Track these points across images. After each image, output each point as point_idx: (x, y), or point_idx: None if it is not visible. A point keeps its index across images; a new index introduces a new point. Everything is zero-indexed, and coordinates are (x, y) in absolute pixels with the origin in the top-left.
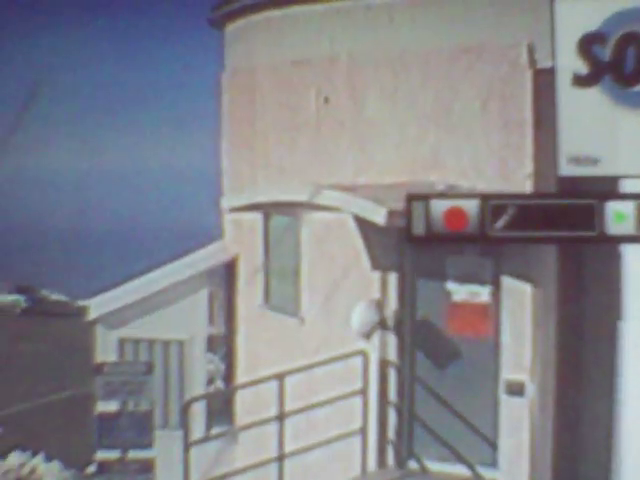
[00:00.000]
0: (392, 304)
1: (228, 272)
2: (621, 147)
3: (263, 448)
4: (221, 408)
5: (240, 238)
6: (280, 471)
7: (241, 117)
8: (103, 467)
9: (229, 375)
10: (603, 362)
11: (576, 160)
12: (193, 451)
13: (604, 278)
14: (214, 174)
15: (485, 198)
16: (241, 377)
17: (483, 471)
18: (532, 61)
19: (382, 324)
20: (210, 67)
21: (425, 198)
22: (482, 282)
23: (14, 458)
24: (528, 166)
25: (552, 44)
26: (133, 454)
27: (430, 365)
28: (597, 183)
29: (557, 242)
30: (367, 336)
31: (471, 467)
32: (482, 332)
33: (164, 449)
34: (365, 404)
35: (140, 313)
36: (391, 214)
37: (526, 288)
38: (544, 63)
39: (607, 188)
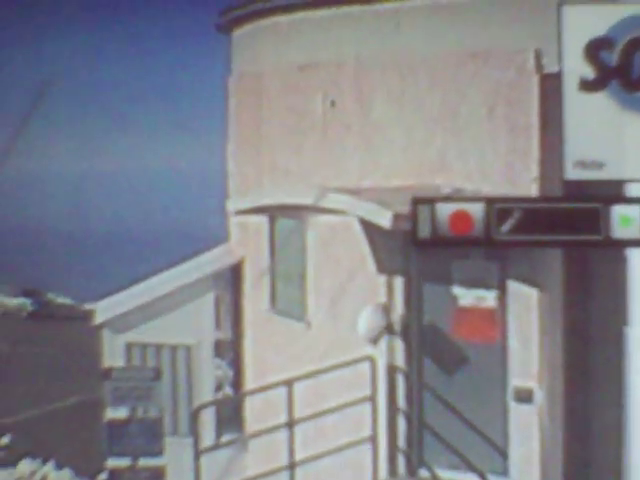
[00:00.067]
0: (398, 308)
1: (234, 275)
2: (627, 151)
3: (273, 456)
4: (231, 415)
5: (246, 241)
6: (291, 479)
7: (248, 120)
8: (114, 475)
9: (237, 381)
10: (610, 367)
11: (582, 164)
12: (203, 459)
13: (610, 282)
14: (220, 177)
15: (491, 202)
16: (249, 383)
17: (494, 479)
18: (539, 66)
19: (389, 329)
20: (217, 71)
21: (431, 201)
22: (488, 286)
23: (24, 466)
24: (534, 170)
25: (559, 49)
26: (144, 462)
27: (438, 371)
28: (603, 187)
29: (563, 246)
30: (374, 341)
31: (482, 475)
32: (489, 337)
33: (174, 456)
34: (374, 411)
35: (146, 317)
36: (397, 217)
37: (532, 292)
38: (551, 68)
39: (613, 192)
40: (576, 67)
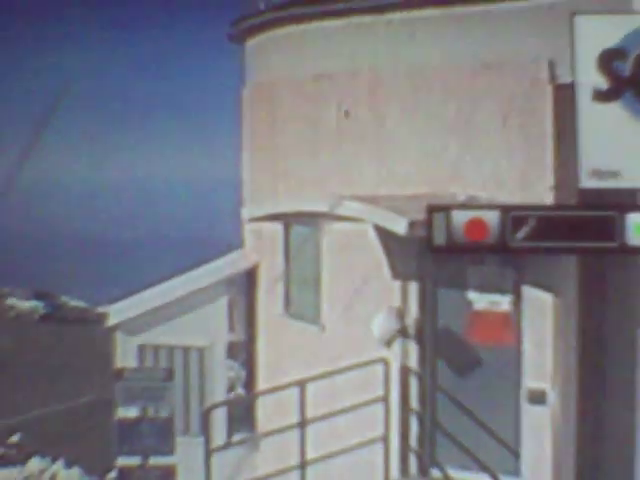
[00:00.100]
0: (413, 312)
1: (248, 280)
2: None
3: (285, 455)
4: (242, 415)
5: (260, 248)
6: (302, 479)
7: (262, 130)
8: (124, 474)
9: (250, 382)
10: (624, 370)
11: (597, 173)
12: (214, 458)
13: (624, 287)
14: (234, 185)
15: (506, 209)
16: (262, 384)
17: None
18: (553, 76)
19: (403, 332)
20: (232, 80)
21: (446, 209)
22: (503, 292)
23: (34, 464)
24: (549, 179)
25: (572, 59)
26: (154, 461)
27: (451, 373)
28: (617, 195)
29: (578, 253)
30: (388, 344)
31: (494, 476)
32: (503, 341)
33: (185, 456)
34: (387, 412)
35: (160, 320)
36: (412, 224)
37: (547, 297)
38: (565, 78)
39: (627, 200)
40: (589, 77)
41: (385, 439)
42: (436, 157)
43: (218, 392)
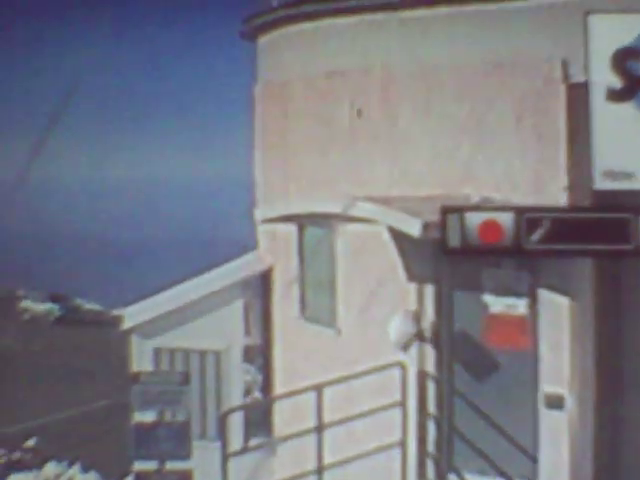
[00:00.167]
0: (429, 315)
1: (263, 282)
2: None
3: (302, 460)
4: (259, 419)
5: (274, 249)
6: None
7: (274, 129)
8: (140, 478)
9: (266, 386)
10: None
11: (611, 174)
12: (231, 462)
13: None
14: (248, 185)
15: (520, 211)
16: (279, 389)
17: None
18: (566, 76)
19: (419, 336)
20: (244, 78)
21: (460, 210)
22: (519, 295)
23: (50, 469)
24: (563, 179)
25: (586, 59)
26: (171, 465)
27: (468, 377)
28: (632, 197)
29: (593, 255)
30: (405, 348)
31: None
32: (520, 345)
33: (202, 460)
34: (404, 416)
35: (175, 323)
36: (426, 226)
37: (563, 301)
38: (578, 78)
39: None
40: (603, 77)
41: (402, 444)
42: (449, 157)
43: (235, 396)
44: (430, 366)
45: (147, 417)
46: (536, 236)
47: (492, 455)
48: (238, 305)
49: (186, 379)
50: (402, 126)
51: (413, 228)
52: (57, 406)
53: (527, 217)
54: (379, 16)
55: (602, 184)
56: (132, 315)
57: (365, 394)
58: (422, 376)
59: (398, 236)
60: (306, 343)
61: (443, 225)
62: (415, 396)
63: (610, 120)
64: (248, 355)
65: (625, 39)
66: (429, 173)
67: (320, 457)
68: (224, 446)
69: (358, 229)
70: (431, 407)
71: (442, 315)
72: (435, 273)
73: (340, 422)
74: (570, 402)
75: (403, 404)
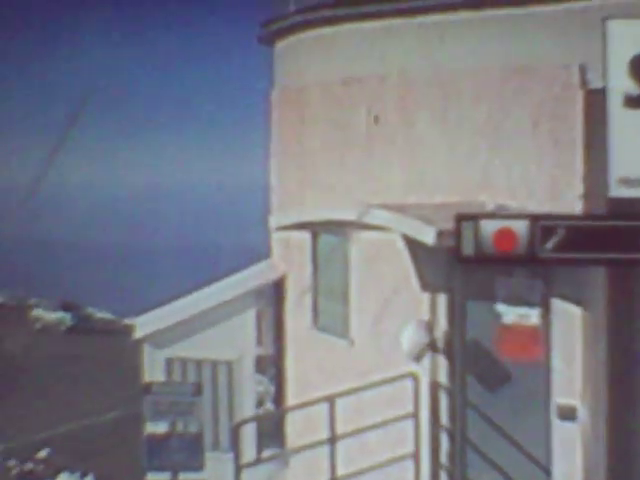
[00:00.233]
0: (442, 325)
1: (276, 291)
2: None
3: (315, 472)
4: (272, 430)
5: (288, 257)
6: None
7: (290, 135)
8: None
9: (279, 397)
10: None
11: (627, 181)
12: (244, 474)
13: None
14: (262, 192)
15: (535, 219)
16: (291, 399)
17: None
18: (583, 82)
19: (432, 346)
20: (260, 84)
21: (475, 218)
22: (532, 304)
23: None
24: (578, 187)
25: (603, 64)
26: (183, 476)
27: (481, 388)
28: None
29: (608, 264)
30: (417, 358)
31: None
32: (532, 355)
33: (214, 472)
34: (416, 428)
35: (187, 332)
36: (440, 234)
37: (576, 311)
38: (596, 84)
39: None
40: (621, 83)
41: (415, 456)
42: (466, 164)
43: (247, 407)
44: (443, 377)
45: (159, 428)
46: (551, 244)
47: (505, 467)
48: (251, 314)
49: (198, 390)
50: (419, 132)
51: (427, 236)
52: (69, 416)
53: (542, 225)
54: (396, 21)
55: (618, 192)
56: (144, 324)
57: (377, 405)
58: (435, 387)
59: (412, 244)
60: (318, 353)
61: (457, 233)
62: (428, 407)
63: (627, 127)
64: (260, 365)
65: None
66: (445, 179)
67: (333, 469)
68: (237, 457)
69: (372, 237)
70: (444, 418)
71: (455, 325)
72: (448, 282)
73: (353, 433)
74: (583, 413)
75: (416, 415)
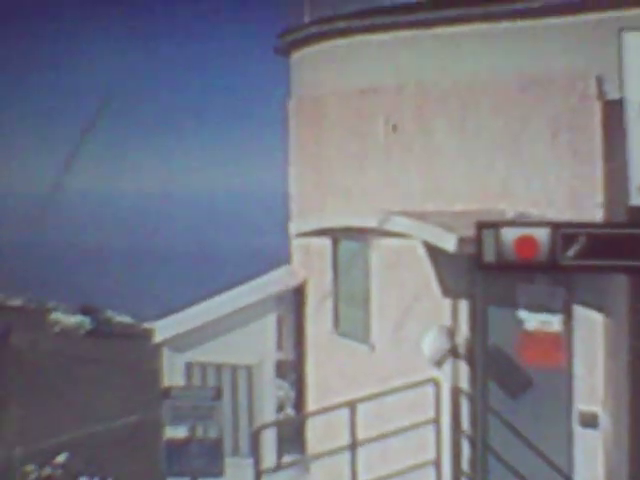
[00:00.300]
0: (463, 331)
1: (297, 297)
2: None
3: (335, 478)
4: (292, 436)
5: (308, 263)
6: None
7: (308, 143)
8: None
9: (299, 402)
10: None
11: None
12: None
13: None
14: (282, 199)
15: (556, 226)
16: (312, 405)
17: None
18: (601, 93)
19: (453, 352)
20: (279, 93)
21: (495, 226)
22: (553, 311)
23: None
24: (598, 195)
25: (620, 75)
26: None
27: (502, 394)
28: None
29: (629, 272)
30: (439, 364)
31: None
32: (554, 362)
33: (234, 477)
34: (438, 434)
35: (207, 337)
36: (461, 241)
37: (598, 317)
38: (613, 95)
39: None
40: (638, 94)
41: (437, 462)
42: (484, 173)
43: (267, 412)
44: (464, 383)
45: (179, 433)
46: (572, 252)
47: (526, 474)
48: (271, 319)
49: (218, 394)
50: (437, 141)
51: (448, 243)
52: (87, 421)
53: (563, 233)
54: (413, 32)
55: (638, 200)
56: (164, 328)
57: (398, 411)
58: (456, 393)
59: (433, 251)
60: (339, 359)
61: (478, 240)
62: (449, 413)
63: None
64: (281, 370)
65: None
66: (464, 188)
67: (354, 475)
68: (257, 463)
69: (393, 243)
70: (465, 424)
71: (476, 331)
72: (470, 288)
73: (374, 439)
74: (604, 420)
75: (437, 421)
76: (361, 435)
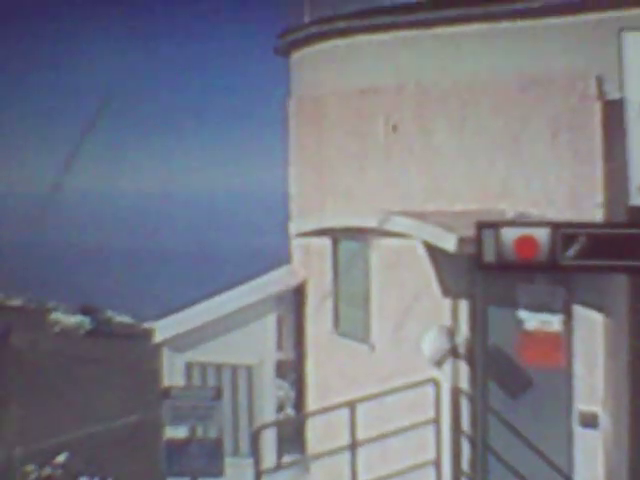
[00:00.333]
0: (463, 331)
1: (297, 297)
2: None
3: (335, 478)
4: (292, 436)
5: (308, 263)
6: None
7: (309, 143)
8: None
9: (299, 402)
10: None
11: None
12: None
13: None
14: (282, 199)
15: (556, 226)
16: (312, 405)
17: None
18: (601, 92)
19: (453, 352)
20: (279, 93)
21: (495, 226)
22: (553, 311)
23: None
24: (598, 195)
25: (620, 75)
26: None
27: (502, 395)
28: None
29: (628, 271)
30: (438, 364)
31: None
32: (554, 362)
33: (234, 477)
34: (438, 434)
35: (207, 337)
36: (461, 241)
37: (598, 317)
38: (613, 95)
39: None
40: (638, 94)
41: (437, 462)
42: (484, 173)
43: (267, 412)
44: (464, 383)
45: (179, 433)
46: (572, 252)
47: (526, 474)
48: (271, 319)
49: (218, 394)
50: (437, 142)
51: (448, 243)
52: (87, 421)
53: (563, 232)
54: (413, 32)
55: (638, 200)
56: (164, 328)
57: (398, 411)
58: (456, 393)
59: (433, 251)
60: (339, 359)
61: (478, 240)
62: (449, 413)
63: None
64: (281, 370)
65: None
66: (464, 188)
67: (354, 475)
68: (257, 463)
69: (393, 243)
70: (465, 424)
71: (476, 331)
72: (470, 288)
73: (374, 439)
74: (604, 420)
75: (437, 421)
76: (361, 435)
